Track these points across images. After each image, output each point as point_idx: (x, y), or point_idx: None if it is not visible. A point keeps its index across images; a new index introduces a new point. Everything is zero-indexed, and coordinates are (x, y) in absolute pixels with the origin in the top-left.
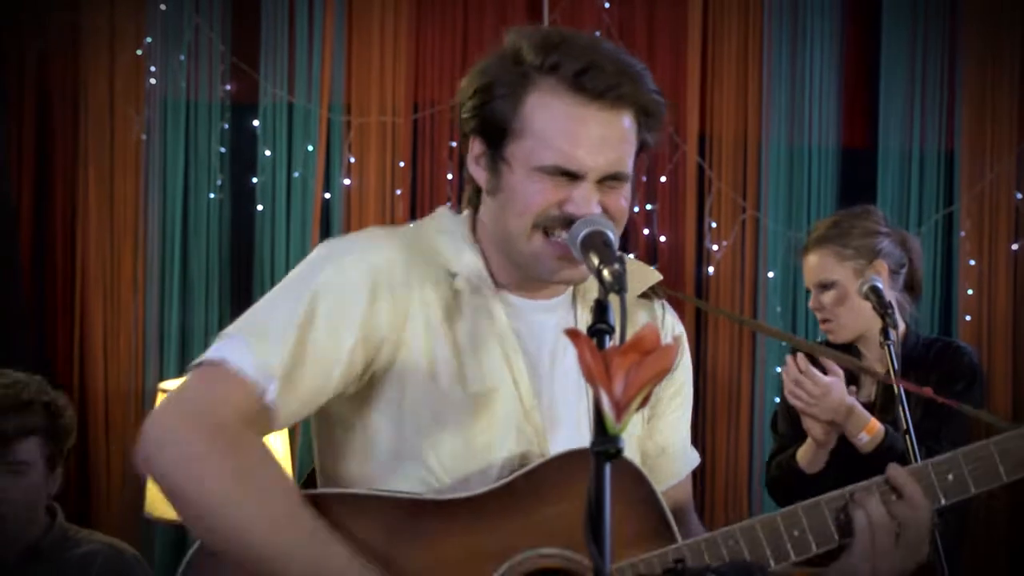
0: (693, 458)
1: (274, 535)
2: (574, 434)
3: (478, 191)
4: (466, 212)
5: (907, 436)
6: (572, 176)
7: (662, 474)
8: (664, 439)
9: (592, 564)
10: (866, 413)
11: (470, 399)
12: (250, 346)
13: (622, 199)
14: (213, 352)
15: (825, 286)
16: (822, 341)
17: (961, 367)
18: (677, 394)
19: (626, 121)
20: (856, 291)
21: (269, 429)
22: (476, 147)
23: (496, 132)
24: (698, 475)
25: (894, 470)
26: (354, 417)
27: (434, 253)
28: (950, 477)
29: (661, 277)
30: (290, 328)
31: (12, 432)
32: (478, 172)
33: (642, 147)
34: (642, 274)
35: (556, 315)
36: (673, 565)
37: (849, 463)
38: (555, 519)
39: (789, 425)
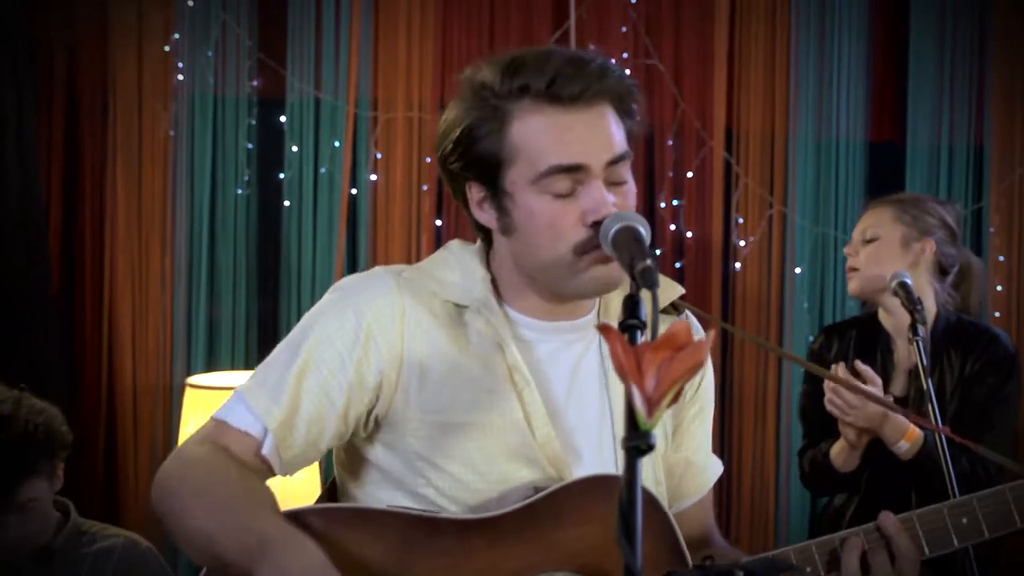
0: (717, 468)
1: (234, 543)
2: (596, 459)
3: (487, 236)
4: (480, 242)
5: (936, 435)
6: (576, 173)
7: (688, 487)
8: (689, 452)
9: (623, 559)
10: (905, 421)
11: (479, 434)
12: (248, 404)
13: (629, 189)
14: (219, 411)
15: (868, 239)
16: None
17: (996, 359)
18: (701, 412)
19: (608, 114)
20: (898, 252)
21: (269, 477)
22: (475, 193)
23: (489, 169)
24: (725, 477)
25: (885, 519)
26: (365, 451)
27: (440, 288)
28: (964, 520)
29: (683, 291)
30: (286, 383)
31: (16, 479)
32: (485, 216)
33: (629, 133)
34: (663, 288)
35: (578, 335)
36: (701, 561)
37: (884, 466)
38: (572, 542)
39: (815, 412)
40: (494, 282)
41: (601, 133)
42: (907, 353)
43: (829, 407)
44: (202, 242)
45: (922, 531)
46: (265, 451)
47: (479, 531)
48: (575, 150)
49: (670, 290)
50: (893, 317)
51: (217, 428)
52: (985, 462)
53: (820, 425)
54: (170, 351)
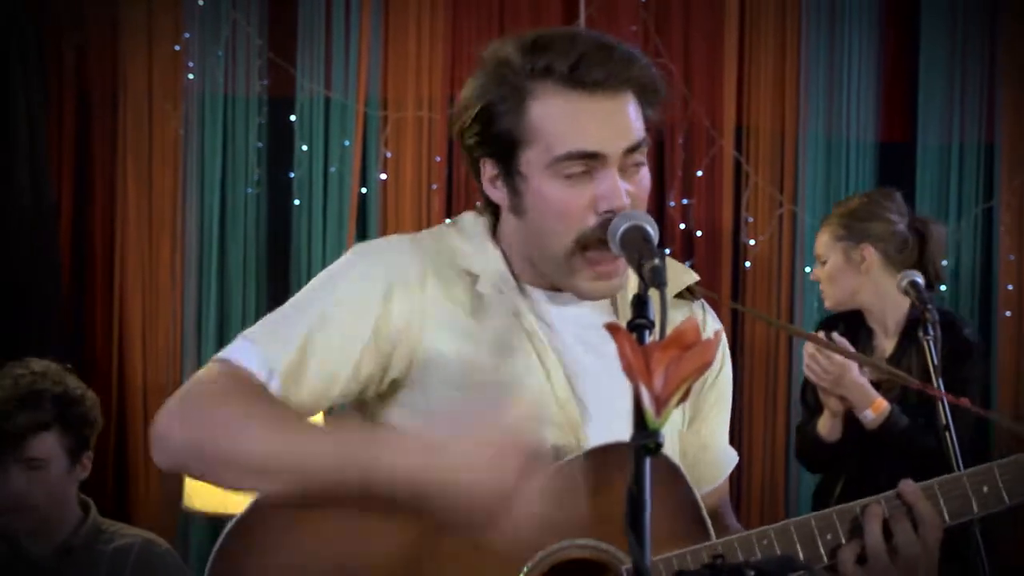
0: (732, 457)
1: (334, 459)
2: (609, 422)
3: (495, 213)
4: (486, 215)
5: (947, 433)
6: (592, 160)
7: (705, 475)
8: (707, 439)
9: (630, 555)
10: (873, 392)
11: (500, 396)
12: (257, 345)
13: (644, 179)
14: (223, 352)
15: (822, 262)
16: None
17: (957, 345)
18: (719, 400)
19: (630, 103)
20: (844, 268)
21: None
22: (489, 169)
23: (505, 148)
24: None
25: (906, 486)
26: (382, 414)
27: (455, 256)
28: (985, 488)
29: (697, 278)
30: (299, 330)
31: (22, 429)
32: (496, 193)
33: (648, 125)
34: (677, 274)
35: (591, 307)
36: (711, 560)
37: (864, 436)
38: (592, 510)
39: (814, 396)
40: (505, 256)
41: (621, 121)
42: (886, 343)
43: (807, 372)
44: (212, 241)
45: (943, 498)
46: (272, 391)
47: None
48: (593, 137)
49: (684, 276)
50: (871, 314)
51: (223, 367)
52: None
53: (817, 409)
54: (180, 349)
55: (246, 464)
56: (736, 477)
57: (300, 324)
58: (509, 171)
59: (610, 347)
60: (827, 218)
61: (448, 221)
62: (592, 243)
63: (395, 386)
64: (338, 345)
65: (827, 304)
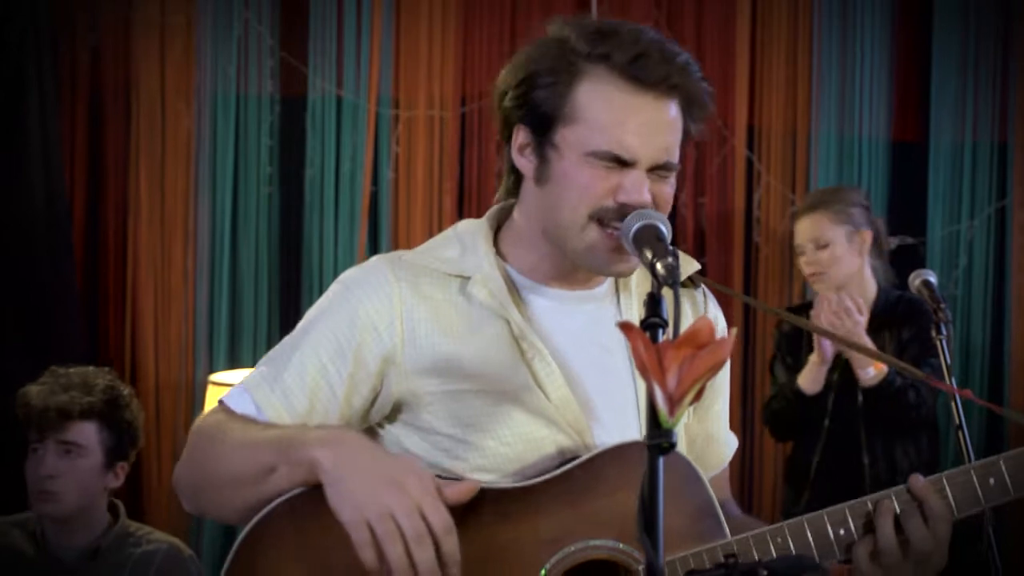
0: (734, 442)
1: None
2: (620, 421)
3: (517, 182)
4: (487, 215)
5: (960, 432)
6: (624, 163)
7: (710, 461)
8: (710, 426)
9: (644, 557)
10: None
11: (492, 406)
12: (248, 392)
13: (669, 188)
14: (223, 396)
15: (821, 246)
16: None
17: (924, 329)
18: (721, 388)
19: (674, 110)
20: (848, 250)
21: None
22: (521, 136)
23: (544, 119)
24: (748, 453)
25: (915, 481)
26: (387, 436)
27: (440, 264)
28: (992, 481)
29: (700, 266)
30: (286, 374)
31: (66, 410)
32: (523, 161)
33: (686, 136)
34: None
35: (596, 304)
36: (724, 560)
37: (836, 406)
38: (609, 510)
39: (783, 366)
40: (500, 255)
41: (662, 131)
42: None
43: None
44: (224, 239)
45: (951, 492)
46: None
47: (515, 500)
48: (633, 143)
49: (687, 265)
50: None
51: (219, 409)
52: (927, 396)
53: (789, 374)
54: (192, 348)
55: (217, 479)
56: (748, 467)
57: (288, 368)
58: (542, 142)
59: (617, 342)
60: (814, 205)
61: (449, 229)
62: (607, 218)
63: (396, 407)
64: (326, 384)
65: (822, 288)
